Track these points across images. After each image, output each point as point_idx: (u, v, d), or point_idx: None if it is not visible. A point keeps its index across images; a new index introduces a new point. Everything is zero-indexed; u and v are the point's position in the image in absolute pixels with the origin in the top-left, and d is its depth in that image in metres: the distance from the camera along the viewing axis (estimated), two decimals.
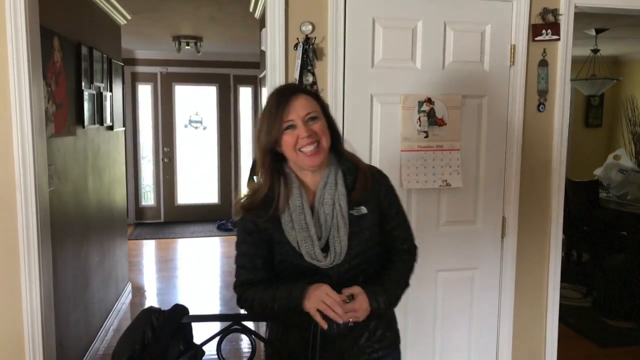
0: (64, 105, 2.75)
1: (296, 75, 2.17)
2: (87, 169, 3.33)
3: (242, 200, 1.44)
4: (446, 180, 2.40)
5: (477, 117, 2.42)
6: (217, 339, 1.35)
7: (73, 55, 2.95)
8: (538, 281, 2.60)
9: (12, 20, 1.97)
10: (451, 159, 2.40)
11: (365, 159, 2.29)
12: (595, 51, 4.95)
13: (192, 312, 1.39)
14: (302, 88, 1.49)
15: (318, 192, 1.40)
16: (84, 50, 3.11)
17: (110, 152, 4.01)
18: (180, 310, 1.34)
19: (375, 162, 2.34)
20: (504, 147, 2.47)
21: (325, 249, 1.38)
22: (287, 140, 1.35)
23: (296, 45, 2.17)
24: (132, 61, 6.94)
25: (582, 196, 4.50)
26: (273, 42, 2.18)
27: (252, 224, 1.42)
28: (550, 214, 2.56)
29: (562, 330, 2.68)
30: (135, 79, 7.13)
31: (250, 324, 1.57)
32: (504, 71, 2.42)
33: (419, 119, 2.34)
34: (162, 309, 1.32)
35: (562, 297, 2.65)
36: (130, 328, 1.27)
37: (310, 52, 2.18)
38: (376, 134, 2.33)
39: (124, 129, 4.56)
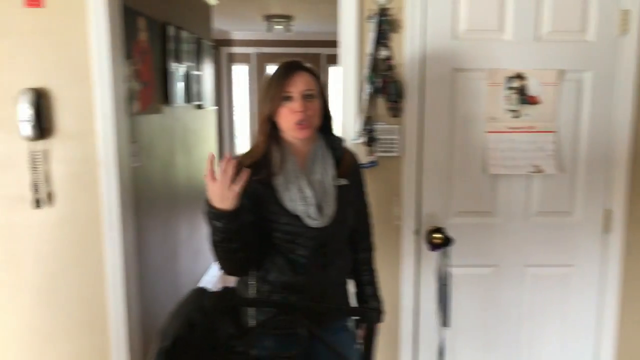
0: (150, 84, 2.85)
1: (369, 49, 2.04)
2: (175, 147, 3.46)
3: (240, 159, 1.46)
4: (538, 166, 2.15)
5: (577, 94, 2.13)
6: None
7: (159, 35, 3.04)
8: None
9: (93, 1, 2.03)
10: (545, 142, 2.14)
11: (445, 139, 2.15)
12: None
13: None
14: (307, 66, 1.53)
15: (308, 162, 1.53)
16: (171, 30, 3.20)
17: (200, 130, 4.14)
18: (229, 293, 1.30)
19: (457, 144, 2.16)
20: (610, 129, 2.15)
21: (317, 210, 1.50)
22: (283, 112, 1.46)
23: (370, 17, 2.03)
24: (228, 42, 7.13)
25: None
26: (346, 14, 2.06)
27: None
28: None
29: None
30: (231, 59, 7.34)
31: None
32: (612, 41, 2.09)
33: (508, 96, 2.10)
34: (212, 290, 1.30)
35: None
36: (178, 308, 1.26)
37: (385, 24, 2.03)
38: (458, 113, 2.14)
39: (215, 107, 4.69)
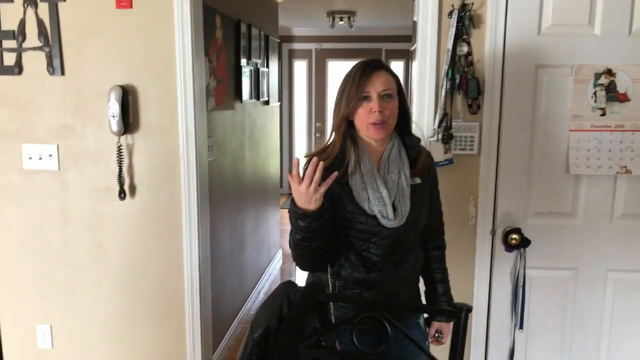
0: (224, 81, 2.93)
1: (449, 45, 2.01)
2: (244, 141, 3.54)
3: (312, 157, 1.42)
4: (626, 167, 2.05)
5: None
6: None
7: (233, 33, 3.11)
8: None
9: (177, 1, 2.11)
10: (634, 141, 2.03)
11: (525, 138, 2.08)
12: None
13: None
14: (386, 65, 1.52)
15: (383, 161, 1.52)
16: (243, 28, 3.27)
17: (266, 126, 4.22)
18: (316, 288, 1.33)
19: (538, 143, 2.09)
20: None
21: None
22: (360, 112, 1.46)
23: (450, 13, 2.00)
24: (289, 38, 7.21)
25: None
26: (425, 9, 2.03)
27: None
28: None
29: None
30: (292, 55, 7.42)
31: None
32: None
33: (595, 93, 2.02)
34: (299, 285, 1.32)
35: None
36: (268, 301, 1.30)
37: (466, 20, 1.99)
38: (539, 110, 2.07)
39: (279, 103, 4.76)
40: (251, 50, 3.45)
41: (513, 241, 2.09)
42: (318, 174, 1.29)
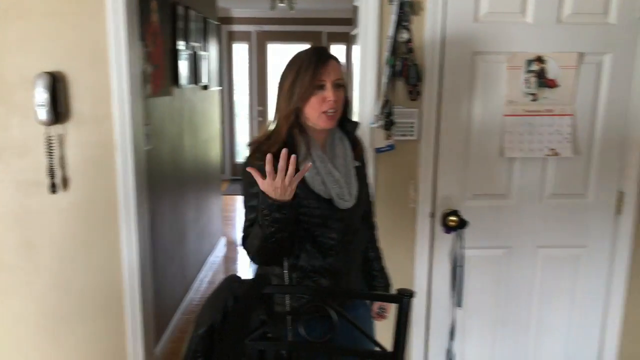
0: (161, 66, 2.82)
1: (390, 32, 2.02)
2: (183, 128, 3.44)
3: (258, 145, 1.45)
4: (554, 149, 2.16)
5: (596, 77, 2.13)
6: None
7: (169, 16, 2.99)
8: None
9: None
10: (562, 125, 2.15)
11: (462, 123, 2.15)
12: None
13: None
14: (334, 55, 1.52)
15: (328, 146, 1.55)
16: (180, 10, 3.15)
17: (206, 111, 4.11)
18: (262, 280, 1.32)
19: (475, 128, 2.17)
20: (627, 113, 2.16)
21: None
22: (313, 100, 1.45)
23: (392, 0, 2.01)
24: (228, 20, 7.03)
25: None
26: None
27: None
28: None
29: None
30: (231, 38, 7.25)
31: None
32: (633, 24, 2.08)
33: (527, 79, 2.10)
34: (244, 278, 1.31)
35: None
36: (212, 297, 1.27)
37: (406, 6, 2.01)
38: (477, 96, 2.14)
39: (219, 88, 4.65)
40: (189, 34, 3.33)
41: (451, 223, 2.17)
42: (292, 168, 1.26)
